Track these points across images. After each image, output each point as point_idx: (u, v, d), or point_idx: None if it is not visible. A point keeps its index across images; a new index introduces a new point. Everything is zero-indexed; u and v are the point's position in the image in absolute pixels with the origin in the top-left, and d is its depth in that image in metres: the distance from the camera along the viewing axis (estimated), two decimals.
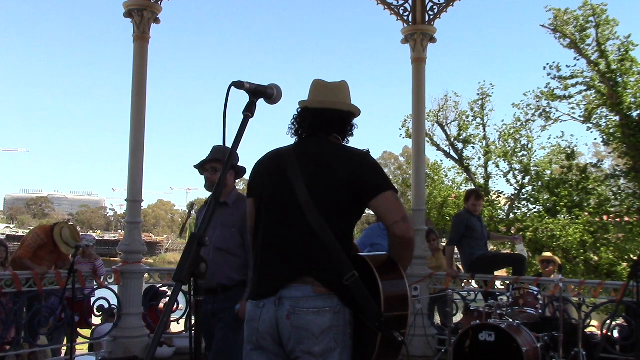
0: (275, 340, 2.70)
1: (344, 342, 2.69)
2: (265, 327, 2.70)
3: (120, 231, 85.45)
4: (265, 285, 2.76)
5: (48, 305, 6.96)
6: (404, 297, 2.71)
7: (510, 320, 5.86)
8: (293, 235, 2.73)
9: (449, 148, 27.91)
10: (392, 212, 2.72)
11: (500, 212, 25.93)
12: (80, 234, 7.88)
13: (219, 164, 4.45)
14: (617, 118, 21.93)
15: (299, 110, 2.98)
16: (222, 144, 2.14)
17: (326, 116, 2.90)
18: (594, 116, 22.92)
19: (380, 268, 2.69)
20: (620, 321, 7.31)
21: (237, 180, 4.79)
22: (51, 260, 7.34)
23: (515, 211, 25.35)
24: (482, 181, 26.74)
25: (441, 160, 28.52)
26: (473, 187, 26.93)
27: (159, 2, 7.27)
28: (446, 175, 28.25)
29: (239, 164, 4.48)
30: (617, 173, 23.44)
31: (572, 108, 23.77)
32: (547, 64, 23.53)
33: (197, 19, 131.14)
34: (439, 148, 28.07)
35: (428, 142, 26.16)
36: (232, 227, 4.37)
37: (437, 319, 8.22)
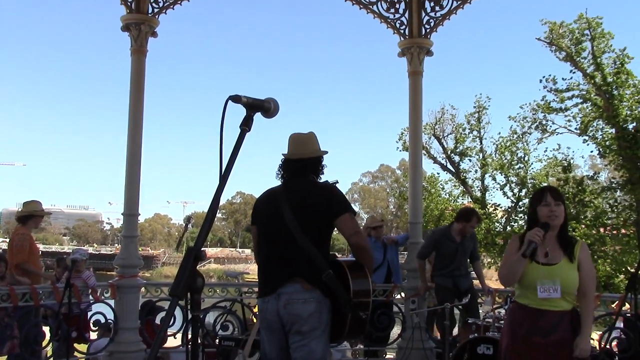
0: (279, 324, 3.74)
1: (325, 323, 3.72)
2: (271, 316, 3.76)
3: (116, 245, 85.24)
4: (267, 286, 3.82)
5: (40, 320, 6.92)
6: (367, 290, 3.73)
7: None
8: (284, 248, 3.77)
9: (446, 161, 28.00)
10: (349, 228, 3.79)
11: (497, 224, 25.95)
12: (74, 248, 7.95)
13: None
14: (613, 130, 22.00)
15: (282, 160, 4.04)
16: (219, 159, 2.14)
17: (303, 164, 3.97)
18: (590, 129, 23.02)
19: (350, 269, 3.73)
20: (618, 334, 7.29)
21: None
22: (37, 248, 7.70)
23: (512, 224, 25.39)
24: (479, 194, 26.79)
25: (438, 173, 28.63)
26: (470, 199, 26.97)
27: (156, 16, 7.28)
28: (443, 188, 28.31)
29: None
30: (613, 185, 23.50)
31: (569, 120, 23.92)
32: (543, 77, 23.72)
33: (195, 32, 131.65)
34: (435, 161, 28.18)
35: (425, 155, 26.22)
36: None
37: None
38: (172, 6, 7.36)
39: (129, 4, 7.18)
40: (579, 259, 3.71)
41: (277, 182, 4.11)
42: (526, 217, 4.17)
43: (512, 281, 3.80)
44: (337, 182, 4.05)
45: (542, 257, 3.70)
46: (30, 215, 7.35)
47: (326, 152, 4.09)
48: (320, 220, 3.79)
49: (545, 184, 24.22)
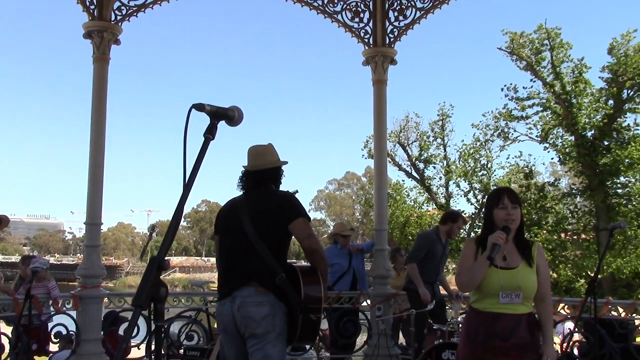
0: (234, 327, 3.89)
1: (280, 326, 3.86)
2: (226, 318, 3.91)
3: (79, 255, 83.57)
4: (224, 290, 3.97)
5: None
6: (318, 296, 3.86)
7: None
8: (242, 254, 3.94)
9: (411, 168, 28.26)
10: (301, 232, 3.95)
11: (462, 230, 26.22)
12: (34, 257, 7.72)
13: None
14: (573, 138, 22.49)
15: (243, 172, 4.23)
16: (183, 167, 2.13)
17: (262, 175, 4.16)
18: (551, 136, 23.49)
19: (304, 274, 3.89)
20: (579, 337, 7.42)
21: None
22: None
23: (476, 230, 25.66)
24: (443, 200, 27.07)
25: (403, 180, 28.86)
26: (434, 206, 27.24)
27: (119, 24, 7.22)
28: (408, 195, 28.54)
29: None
30: (573, 191, 24.01)
31: (530, 128, 24.37)
32: (505, 86, 24.15)
33: (158, 40, 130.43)
34: (400, 168, 28.41)
35: (390, 162, 26.43)
36: None
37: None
38: (135, 14, 7.30)
39: (91, 10, 7.10)
40: (537, 263, 3.63)
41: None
42: (482, 221, 3.93)
43: (473, 286, 3.62)
44: (297, 191, 4.23)
45: (501, 260, 3.57)
46: None
47: (285, 163, 4.27)
48: (277, 227, 3.95)
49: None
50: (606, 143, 21.73)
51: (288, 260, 4.20)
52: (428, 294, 6.87)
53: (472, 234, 25.42)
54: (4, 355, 6.68)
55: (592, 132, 21.96)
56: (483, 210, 3.89)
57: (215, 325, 7.73)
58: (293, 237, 4.07)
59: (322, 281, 3.92)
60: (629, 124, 22.12)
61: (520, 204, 3.73)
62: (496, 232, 3.53)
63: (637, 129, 22.02)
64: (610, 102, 22.01)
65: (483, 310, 3.61)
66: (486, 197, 4.32)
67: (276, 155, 4.28)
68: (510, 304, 3.54)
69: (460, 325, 6.02)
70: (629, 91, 21.65)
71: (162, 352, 2.14)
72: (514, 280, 3.55)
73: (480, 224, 25.59)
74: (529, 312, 3.60)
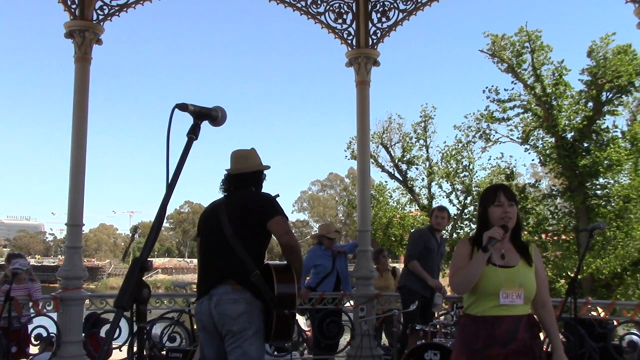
0: (212, 325, 3.97)
1: (256, 323, 3.93)
2: (204, 317, 4.00)
3: (60, 256, 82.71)
4: (202, 288, 4.07)
5: None
6: (291, 293, 3.94)
7: (455, 338, 5.91)
8: (220, 255, 4.03)
9: (393, 169, 28.32)
10: (279, 229, 4.03)
11: (444, 232, 26.33)
12: (20, 256, 7.63)
13: None
14: (553, 140, 22.69)
15: (225, 175, 4.33)
16: (166, 168, 2.12)
17: (243, 178, 4.26)
18: (531, 138, 23.65)
19: (277, 272, 3.97)
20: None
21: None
22: None
23: (458, 231, 25.81)
24: (425, 202, 27.17)
25: (386, 181, 28.88)
26: (417, 207, 27.35)
27: (101, 23, 7.18)
28: (391, 196, 28.57)
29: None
30: (553, 193, 24.20)
31: (511, 130, 24.54)
32: (487, 87, 24.28)
33: (141, 40, 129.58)
34: (383, 169, 28.45)
35: (373, 163, 26.46)
36: None
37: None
38: (117, 13, 7.27)
39: (72, 10, 7.06)
40: (535, 263, 3.46)
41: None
42: (476, 220, 3.69)
43: (469, 286, 3.34)
44: (278, 195, 4.29)
45: (499, 259, 3.36)
46: None
47: (267, 167, 4.39)
48: (256, 227, 4.05)
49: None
50: (586, 145, 21.94)
51: (273, 262, 4.30)
52: (438, 282, 7.09)
53: (455, 235, 25.56)
54: None
55: (572, 133, 22.17)
56: (477, 208, 3.66)
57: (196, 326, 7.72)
58: (273, 237, 4.15)
59: (296, 279, 4.01)
60: (607, 126, 22.40)
61: (517, 202, 3.51)
62: (494, 228, 3.32)
63: (616, 131, 22.33)
64: (590, 104, 22.25)
65: (481, 316, 3.36)
66: (480, 194, 3.99)
67: (258, 159, 4.38)
68: (511, 305, 3.31)
69: (444, 326, 6.05)
70: (608, 93, 21.90)
71: (144, 353, 2.13)
72: (514, 278, 3.33)
73: (462, 225, 25.75)
74: (528, 313, 3.41)
